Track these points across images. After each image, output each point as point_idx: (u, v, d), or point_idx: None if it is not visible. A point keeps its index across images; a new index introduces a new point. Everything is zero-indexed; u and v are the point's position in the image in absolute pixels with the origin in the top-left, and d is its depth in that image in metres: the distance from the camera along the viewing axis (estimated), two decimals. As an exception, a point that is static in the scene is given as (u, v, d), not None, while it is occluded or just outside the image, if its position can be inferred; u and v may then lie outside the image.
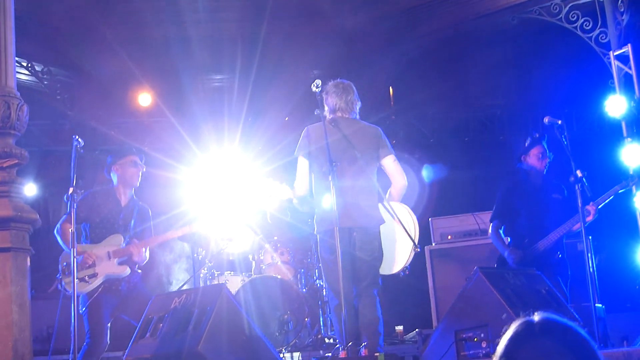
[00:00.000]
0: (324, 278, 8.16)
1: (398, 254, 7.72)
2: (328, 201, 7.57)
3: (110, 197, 8.98)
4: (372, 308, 7.58)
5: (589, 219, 8.75)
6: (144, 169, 9.13)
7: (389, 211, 7.78)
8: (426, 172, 15.80)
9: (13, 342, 5.82)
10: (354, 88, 8.22)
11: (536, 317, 2.61)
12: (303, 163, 7.89)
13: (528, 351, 2.55)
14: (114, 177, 9.05)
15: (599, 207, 8.81)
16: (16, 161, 6.13)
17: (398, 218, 7.69)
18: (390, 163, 8.02)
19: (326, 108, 8.14)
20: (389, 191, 8.00)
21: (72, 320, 7.40)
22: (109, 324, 8.72)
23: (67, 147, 15.00)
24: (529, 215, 9.36)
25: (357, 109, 8.26)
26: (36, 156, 14.62)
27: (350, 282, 7.55)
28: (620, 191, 9.06)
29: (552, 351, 2.53)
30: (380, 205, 7.87)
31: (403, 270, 7.65)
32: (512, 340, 2.61)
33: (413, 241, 7.59)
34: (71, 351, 7.45)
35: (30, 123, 6.38)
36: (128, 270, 8.62)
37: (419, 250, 7.65)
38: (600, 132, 16.68)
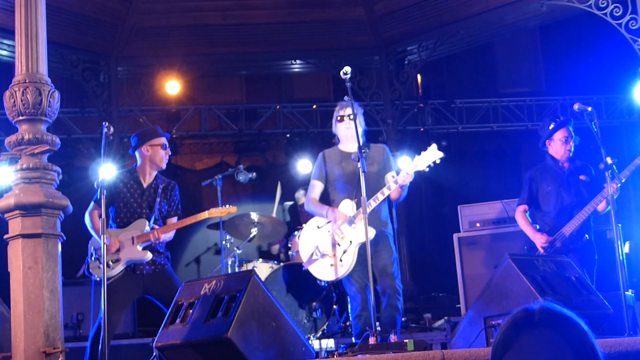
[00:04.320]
0: None
1: None
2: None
3: (132, 179, 8.81)
4: None
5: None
6: (170, 153, 9.04)
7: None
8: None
9: (44, 327, 5.84)
10: None
11: (536, 306, 2.59)
12: None
13: (525, 340, 2.52)
14: (140, 158, 8.85)
15: (619, 184, 8.62)
16: (47, 147, 6.15)
17: None
18: None
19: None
20: None
21: (102, 306, 7.43)
22: (123, 310, 8.68)
23: (96, 135, 15.21)
24: (557, 201, 9.28)
25: None
26: (65, 143, 14.70)
27: None
28: None
29: (549, 342, 2.50)
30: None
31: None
32: (510, 328, 2.58)
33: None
34: (101, 336, 7.49)
35: (59, 110, 6.40)
36: (149, 255, 8.52)
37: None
38: (629, 119, 16.62)
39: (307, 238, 8.77)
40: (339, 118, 8.63)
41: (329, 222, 8.52)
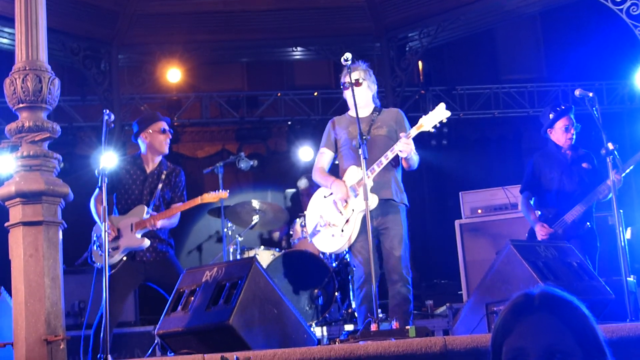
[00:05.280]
0: None
1: None
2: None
3: (135, 165, 8.80)
4: None
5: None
6: (171, 136, 9.00)
7: None
8: None
9: (46, 315, 5.85)
10: None
11: (536, 290, 2.59)
12: None
13: (525, 325, 2.54)
14: (142, 145, 8.85)
15: (623, 174, 8.63)
16: (47, 135, 6.14)
17: None
18: None
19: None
20: None
21: (104, 294, 7.42)
22: (126, 299, 8.69)
23: (97, 123, 15.19)
24: (559, 187, 9.28)
25: None
26: (66, 131, 14.70)
27: None
28: None
29: (549, 326, 2.51)
30: None
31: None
32: (510, 313, 2.59)
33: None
34: (102, 325, 7.48)
35: (59, 98, 6.38)
36: (147, 242, 8.48)
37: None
38: (630, 105, 16.61)
39: (313, 209, 8.53)
40: (344, 85, 8.28)
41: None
